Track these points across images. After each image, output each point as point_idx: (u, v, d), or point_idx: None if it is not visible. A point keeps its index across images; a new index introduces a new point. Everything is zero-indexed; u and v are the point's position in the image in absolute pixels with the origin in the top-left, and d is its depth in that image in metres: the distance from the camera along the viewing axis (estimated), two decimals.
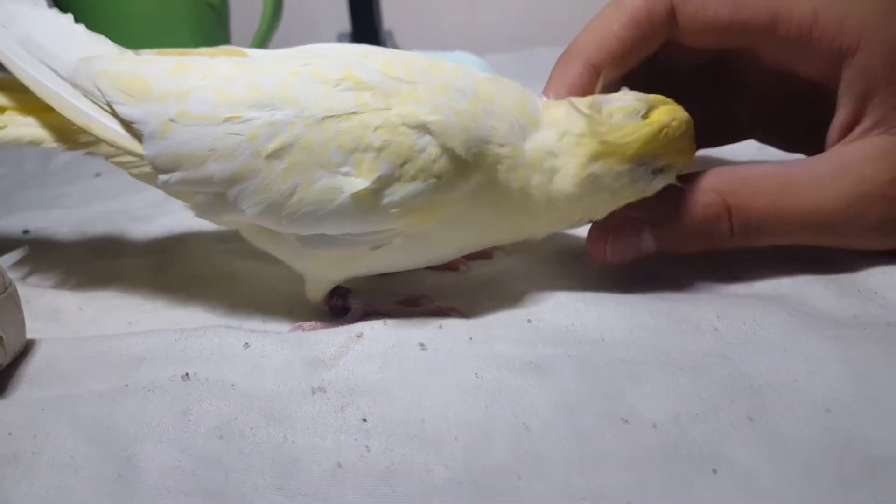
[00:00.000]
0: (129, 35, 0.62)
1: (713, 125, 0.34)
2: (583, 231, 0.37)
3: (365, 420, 0.23)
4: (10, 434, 0.24)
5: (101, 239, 0.45)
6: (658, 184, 0.29)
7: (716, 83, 0.34)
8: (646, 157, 0.28)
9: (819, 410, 0.22)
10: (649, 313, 0.28)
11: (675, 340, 0.26)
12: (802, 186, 0.28)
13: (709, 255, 0.31)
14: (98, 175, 0.59)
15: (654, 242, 0.30)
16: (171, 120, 0.28)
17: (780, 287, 0.30)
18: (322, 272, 0.31)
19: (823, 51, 0.28)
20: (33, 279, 0.39)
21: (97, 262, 0.41)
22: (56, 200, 0.54)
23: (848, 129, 0.29)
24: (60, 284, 0.38)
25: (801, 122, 0.32)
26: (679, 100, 0.29)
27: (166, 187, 0.29)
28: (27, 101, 0.33)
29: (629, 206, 0.29)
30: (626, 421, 0.23)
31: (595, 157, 0.28)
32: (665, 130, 0.28)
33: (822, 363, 0.24)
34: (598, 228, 0.30)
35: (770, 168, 0.29)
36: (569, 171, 0.28)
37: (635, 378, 0.24)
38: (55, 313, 0.34)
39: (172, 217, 0.46)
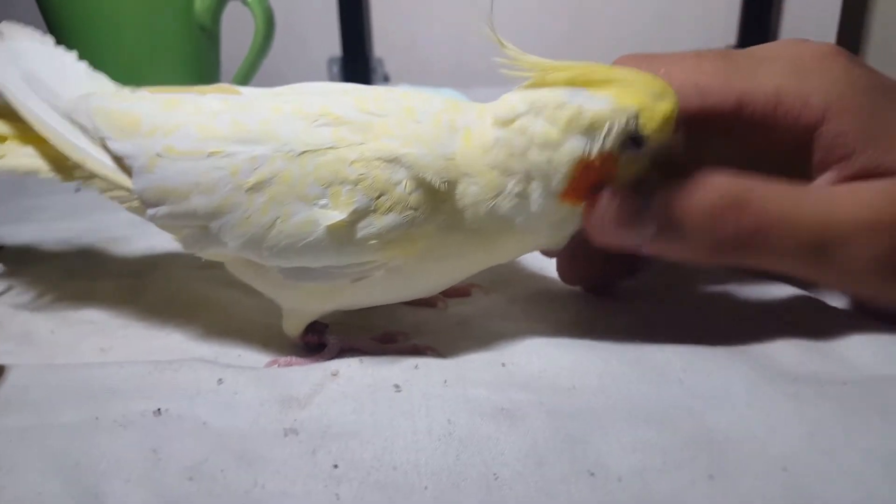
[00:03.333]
0: (120, 56, 0.62)
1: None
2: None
3: (336, 466, 0.24)
4: None
5: (77, 258, 0.45)
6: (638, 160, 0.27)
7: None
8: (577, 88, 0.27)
9: (776, 468, 0.23)
10: (619, 361, 0.29)
11: (643, 391, 0.27)
12: (816, 201, 0.28)
13: (687, 281, 0.29)
14: (78, 190, 0.58)
15: (657, 221, 0.27)
16: (159, 155, 0.29)
17: (744, 339, 0.30)
18: (304, 305, 0.31)
19: (790, 126, 0.29)
20: (7, 298, 0.39)
21: (72, 282, 0.41)
22: (32, 214, 0.54)
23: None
24: (34, 305, 0.38)
25: None
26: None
27: (154, 220, 0.30)
28: (27, 130, 0.34)
29: (636, 186, 0.27)
30: (593, 474, 0.23)
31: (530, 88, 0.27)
32: (591, 68, 0.27)
33: (781, 420, 0.25)
34: (603, 196, 0.27)
35: (782, 183, 0.28)
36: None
37: (603, 429, 0.25)
38: (27, 336, 0.34)
39: (151, 239, 0.46)
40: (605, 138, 0.26)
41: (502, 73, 0.27)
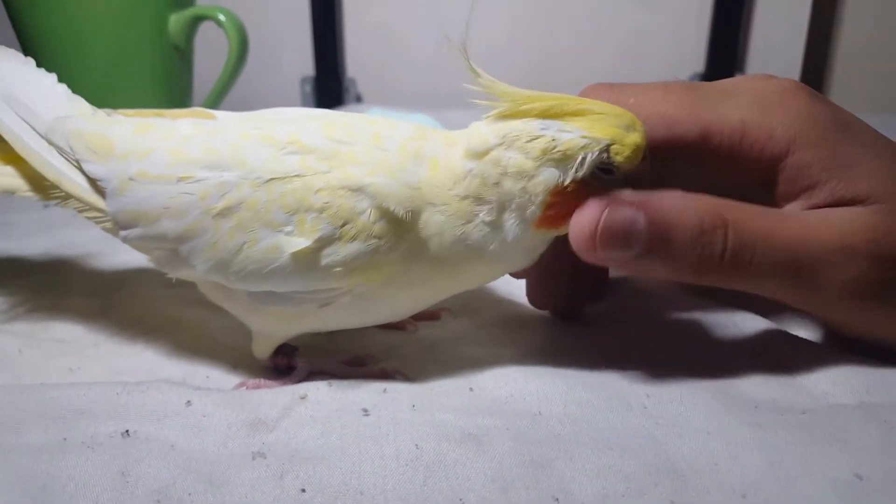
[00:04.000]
0: (93, 75, 0.62)
1: None
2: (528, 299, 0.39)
3: (303, 490, 0.24)
4: None
5: (46, 275, 0.45)
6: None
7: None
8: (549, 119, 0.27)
9: (736, 495, 0.24)
10: (584, 388, 0.29)
11: (607, 417, 0.28)
12: (795, 223, 0.28)
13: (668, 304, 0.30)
14: (46, 206, 0.58)
15: (644, 240, 0.27)
16: (131, 178, 0.29)
17: (707, 366, 0.31)
18: (272, 328, 0.32)
19: (755, 157, 0.29)
20: None
21: (41, 300, 0.40)
22: (0, 230, 0.53)
23: None
24: (1, 324, 0.38)
25: None
26: None
27: (127, 242, 0.31)
28: (7, 150, 0.34)
29: (625, 196, 0.27)
30: (557, 499, 0.24)
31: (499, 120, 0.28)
32: (564, 100, 0.27)
33: (741, 448, 0.25)
34: (596, 201, 0.27)
35: (760, 206, 0.29)
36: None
37: (568, 455, 0.25)
38: None
39: (121, 256, 0.46)
40: (578, 168, 0.27)
41: (474, 100, 0.28)
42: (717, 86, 0.32)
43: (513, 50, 1.07)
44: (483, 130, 0.28)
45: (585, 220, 0.27)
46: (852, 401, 0.29)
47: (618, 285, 0.40)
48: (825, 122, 0.30)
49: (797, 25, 1.05)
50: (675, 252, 0.27)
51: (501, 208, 0.28)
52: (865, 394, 0.29)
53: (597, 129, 0.27)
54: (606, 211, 0.27)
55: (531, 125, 0.27)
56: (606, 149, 0.27)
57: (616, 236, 0.27)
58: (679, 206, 0.28)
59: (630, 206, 0.27)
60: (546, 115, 0.27)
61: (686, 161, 0.30)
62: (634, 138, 0.27)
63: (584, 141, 0.27)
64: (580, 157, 0.27)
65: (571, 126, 0.27)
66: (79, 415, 0.28)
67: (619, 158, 0.27)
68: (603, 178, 0.27)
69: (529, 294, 0.36)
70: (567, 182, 0.27)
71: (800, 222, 0.29)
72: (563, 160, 0.27)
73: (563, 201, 0.27)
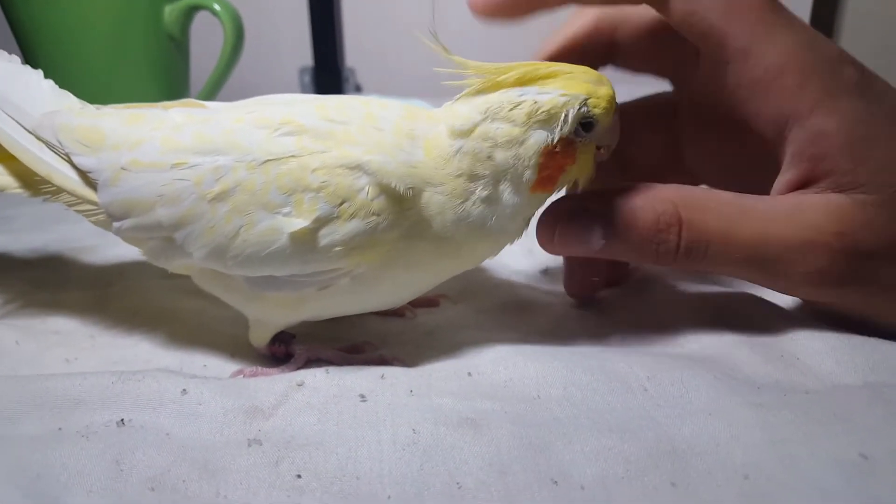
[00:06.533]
0: (89, 66, 0.62)
1: (655, 157, 0.36)
2: (526, 282, 0.38)
3: (299, 476, 0.23)
4: None
5: (43, 268, 0.44)
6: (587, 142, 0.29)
7: (663, 119, 0.36)
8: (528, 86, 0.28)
9: (738, 476, 0.23)
10: (583, 370, 0.29)
11: (607, 400, 0.27)
12: (756, 219, 0.29)
13: (641, 305, 0.30)
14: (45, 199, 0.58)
15: (602, 239, 0.29)
16: (123, 168, 0.29)
17: (709, 348, 0.31)
18: (271, 316, 0.31)
19: (776, 105, 0.29)
20: None
21: (38, 293, 0.40)
22: None
23: (795, 187, 0.29)
24: None
25: (750, 177, 0.32)
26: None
27: (120, 234, 0.30)
28: None
29: (585, 199, 0.30)
30: (556, 482, 0.23)
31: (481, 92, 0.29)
32: (536, 66, 0.28)
33: (743, 429, 0.25)
34: (551, 212, 0.30)
35: (728, 196, 0.29)
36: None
37: (567, 438, 0.25)
38: None
39: (118, 249, 0.46)
40: (563, 125, 0.28)
41: (446, 82, 0.29)
42: None
43: (514, 35, 1.06)
44: (463, 109, 0.29)
45: (547, 220, 0.30)
46: (857, 380, 0.28)
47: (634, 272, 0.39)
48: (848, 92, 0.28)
49: (800, 11, 1.04)
50: (633, 247, 0.29)
51: (497, 181, 0.28)
52: (870, 373, 0.29)
53: (572, 87, 0.28)
54: (561, 222, 0.30)
55: (510, 94, 0.28)
56: (584, 102, 0.28)
57: (572, 240, 0.30)
58: (637, 205, 0.29)
59: (586, 213, 0.30)
60: (521, 82, 0.28)
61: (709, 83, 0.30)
62: (606, 90, 0.29)
63: (564, 98, 0.28)
64: (563, 114, 0.28)
65: (548, 88, 0.28)
66: (74, 404, 0.27)
67: (597, 111, 0.28)
68: (585, 134, 0.29)
69: (567, 282, 0.37)
70: (556, 140, 0.28)
71: (761, 218, 0.29)
72: (549, 120, 0.28)
73: (554, 161, 0.28)
